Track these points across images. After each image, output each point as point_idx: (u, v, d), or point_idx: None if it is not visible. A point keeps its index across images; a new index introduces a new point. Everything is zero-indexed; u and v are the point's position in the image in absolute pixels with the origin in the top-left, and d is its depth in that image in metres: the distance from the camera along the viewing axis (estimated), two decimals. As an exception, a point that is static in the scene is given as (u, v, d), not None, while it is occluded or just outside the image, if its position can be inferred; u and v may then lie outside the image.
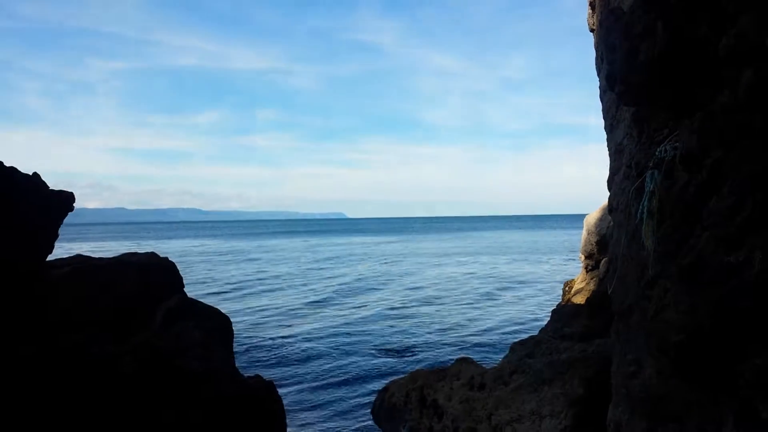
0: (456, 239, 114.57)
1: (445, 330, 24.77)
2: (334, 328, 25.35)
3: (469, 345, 21.91)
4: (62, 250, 10.91)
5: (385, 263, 59.92)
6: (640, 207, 4.78)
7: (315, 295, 35.77)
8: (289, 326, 25.90)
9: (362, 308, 30.75)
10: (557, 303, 16.77)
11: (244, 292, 37.50)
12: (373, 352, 20.95)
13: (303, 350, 21.18)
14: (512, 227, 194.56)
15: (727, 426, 3.85)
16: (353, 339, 22.99)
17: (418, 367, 16.79)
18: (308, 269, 53.78)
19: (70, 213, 10.06)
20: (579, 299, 14.44)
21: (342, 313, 29.32)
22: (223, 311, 11.69)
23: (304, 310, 30.27)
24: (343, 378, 17.71)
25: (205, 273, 50.16)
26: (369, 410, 11.22)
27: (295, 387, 16.83)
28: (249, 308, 30.75)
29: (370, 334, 24.00)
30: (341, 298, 34.37)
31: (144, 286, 10.75)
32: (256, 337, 23.39)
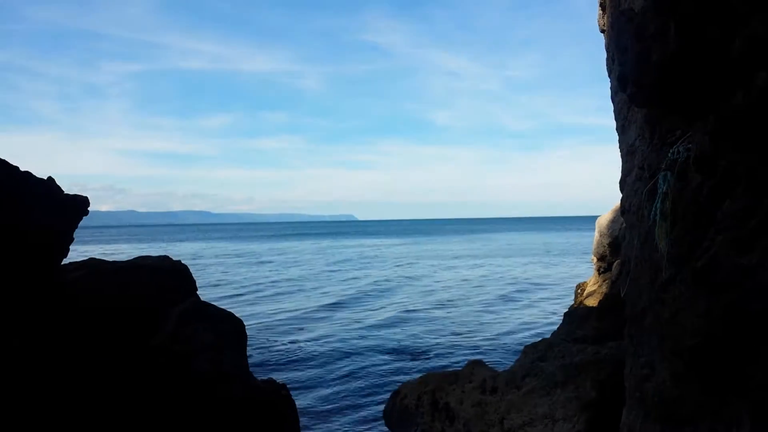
0: (467, 241, 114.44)
1: (457, 333, 24.73)
2: (347, 331, 25.34)
3: (481, 348, 21.87)
4: (76, 252, 10.96)
5: (397, 266, 59.90)
6: (653, 209, 4.76)
7: (328, 298, 35.76)
8: (302, 329, 25.92)
9: (375, 311, 30.74)
10: (570, 305, 16.72)
11: (257, 295, 37.55)
12: (385, 355, 20.94)
13: (316, 353, 21.18)
14: (523, 229, 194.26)
15: (742, 430, 3.83)
16: (366, 342, 22.97)
17: (430, 370, 16.77)
18: (320, 272, 53.81)
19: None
20: (591, 301, 14.40)
21: (354, 316, 29.31)
22: (236, 314, 11.69)
23: (317, 313, 30.27)
24: (355, 381, 17.70)
25: (217, 276, 50.27)
26: (381, 413, 11.22)
27: (308, 390, 16.83)
28: (262, 311, 30.81)
29: (382, 337, 23.98)
30: (354, 301, 34.37)
31: (157, 289, 10.77)
32: (269, 340, 23.41)
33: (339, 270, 56.26)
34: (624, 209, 6.64)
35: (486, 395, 8.81)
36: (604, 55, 7.78)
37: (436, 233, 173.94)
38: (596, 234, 16.66)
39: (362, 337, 23.91)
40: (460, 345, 22.41)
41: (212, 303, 11.64)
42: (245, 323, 11.85)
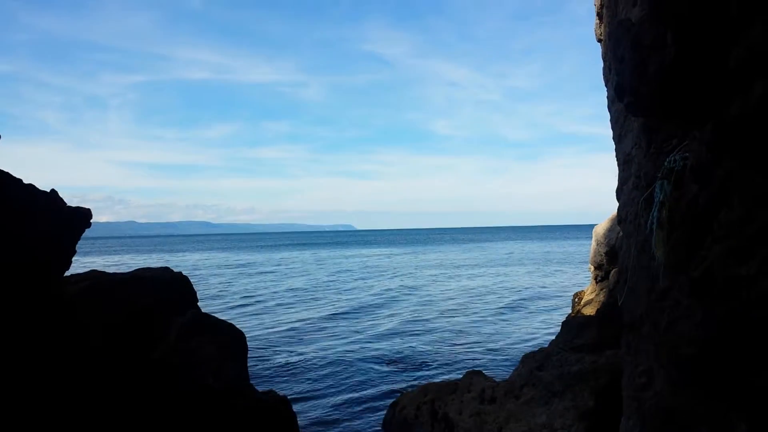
0: (466, 251, 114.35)
1: (456, 343, 24.70)
2: (347, 342, 25.31)
3: (480, 358, 21.84)
4: (76, 264, 10.99)
5: (396, 276, 59.79)
6: (650, 218, 4.77)
7: (328, 309, 35.70)
8: (303, 340, 25.89)
9: (375, 322, 30.69)
10: (568, 314, 16.71)
11: (258, 306, 37.47)
12: (385, 366, 20.91)
13: (316, 365, 21.15)
14: (522, 238, 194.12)
15: (740, 438, 3.83)
16: (366, 353, 22.93)
17: (430, 380, 16.75)
18: (320, 283, 53.73)
19: (82, 228, 10.14)
20: (589, 310, 14.40)
21: (354, 326, 29.25)
22: (237, 326, 11.71)
23: (318, 324, 30.22)
24: (355, 392, 17.67)
25: (217, 287, 50.22)
26: (380, 424, 11.20)
27: (309, 402, 16.81)
28: (263, 323, 30.75)
29: (382, 348, 23.95)
30: (354, 312, 34.30)
31: (159, 300, 10.79)
32: (270, 351, 23.38)
33: (339, 280, 56.17)
34: (621, 218, 6.66)
35: (485, 405, 8.81)
36: (602, 64, 7.81)
37: (435, 243, 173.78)
38: (593, 243, 16.67)
39: (362, 348, 23.87)
40: (459, 355, 22.38)
41: (213, 314, 11.65)
42: (246, 334, 11.85)
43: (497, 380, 9.89)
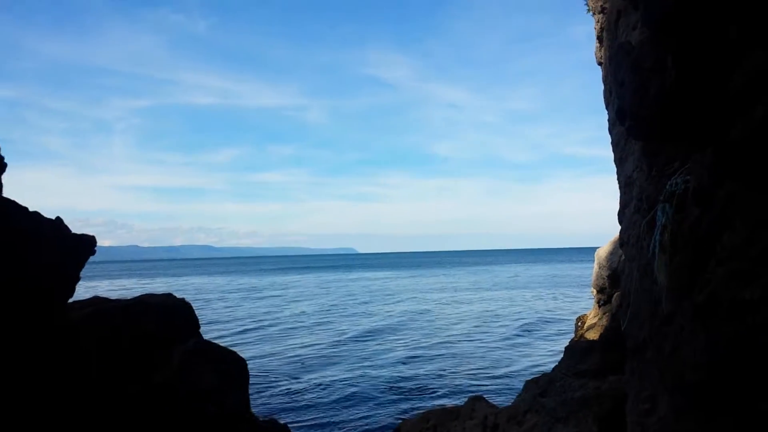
0: (469, 274, 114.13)
1: (460, 369, 24.58)
2: (350, 369, 25.18)
3: (482, 383, 21.71)
4: (81, 288, 10.97)
5: (400, 301, 59.60)
6: (652, 241, 4.74)
7: (331, 335, 35.56)
8: (305, 368, 25.75)
9: (378, 348, 30.59)
10: (570, 338, 16.58)
11: (261, 332, 37.29)
12: (389, 392, 20.79)
13: (318, 393, 21.02)
14: (525, 261, 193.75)
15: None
16: (369, 381, 22.79)
17: (433, 406, 16.62)
18: (322, 308, 53.49)
19: (84, 252, 10.13)
20: (592, 335, 14.30)
21: (359, 353, 29.11)
22: (239, 352, 11.65)
23: (320, 351, 30.08)
24: (358, 420, 17.55)
25: (220, 312, 50.02)
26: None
27: (311, 428, 16.69)
28: (265, 349, 30.62)
29: (386, 374, 23.84)
30: (358, 339, 34.13)
31: (161, 327, 10.76)
32: (272, 379, 23.24)
33: (342, 305, 55.97)
34: (623, 241, 6.62)
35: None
36: (602, 87, 7.81)
37: (438, 266, 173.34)
38: (595, 266, 16.58)
39: (365, 375, 23.75)
40: (460, 380, 22.26)
41: (215, 340, 11.60)
42: (248, 361, 11.79)
43: (500, 406, 9.80)
